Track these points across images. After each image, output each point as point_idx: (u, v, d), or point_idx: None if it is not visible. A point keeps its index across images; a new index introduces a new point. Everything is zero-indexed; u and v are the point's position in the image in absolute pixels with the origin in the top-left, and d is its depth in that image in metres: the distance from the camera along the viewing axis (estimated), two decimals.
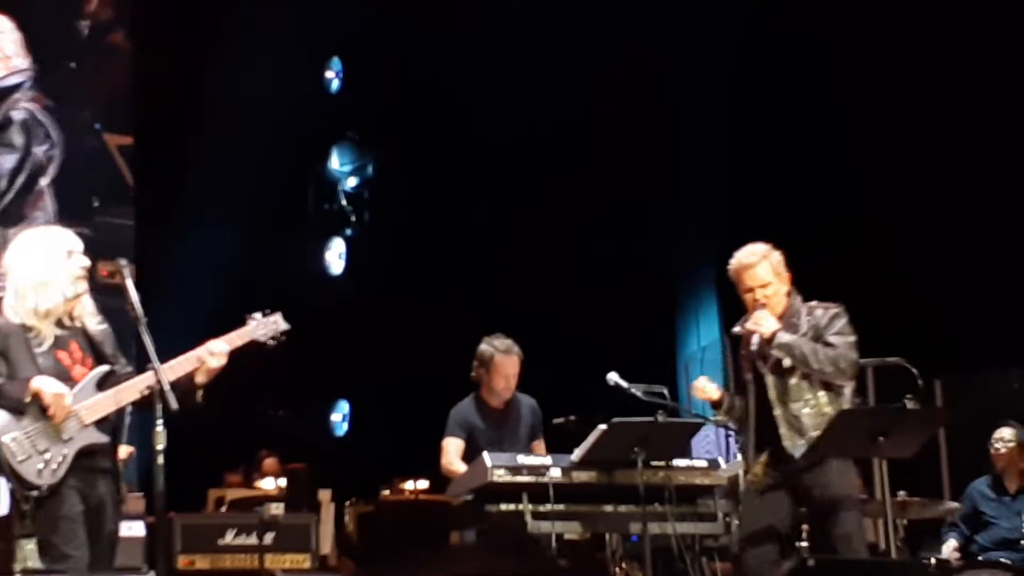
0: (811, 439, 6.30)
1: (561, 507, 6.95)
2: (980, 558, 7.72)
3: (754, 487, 6.52)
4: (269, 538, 7.66)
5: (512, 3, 11.75)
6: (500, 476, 6.93)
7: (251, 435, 10.83)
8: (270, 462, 10.52)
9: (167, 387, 5.18)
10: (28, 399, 5.27)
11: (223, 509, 8.78)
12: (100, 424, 5.39)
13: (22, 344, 5.39)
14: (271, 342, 5.70)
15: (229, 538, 7.67)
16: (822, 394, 6.41)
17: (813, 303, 6.57)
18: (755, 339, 6.41)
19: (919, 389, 6.96)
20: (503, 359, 7.73)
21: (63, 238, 5.61)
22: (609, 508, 7.06)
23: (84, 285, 5.52)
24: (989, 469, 8.55)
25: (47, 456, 5.27)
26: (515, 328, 8.06)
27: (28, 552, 5.23)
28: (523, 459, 7.05)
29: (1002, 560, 7.33)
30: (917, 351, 7.46)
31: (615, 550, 7.59)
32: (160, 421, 5.16)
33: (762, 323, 6.39)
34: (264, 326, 5.69)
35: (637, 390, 6.99)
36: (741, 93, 11.88)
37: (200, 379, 5.50)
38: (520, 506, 6.90)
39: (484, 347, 7.79)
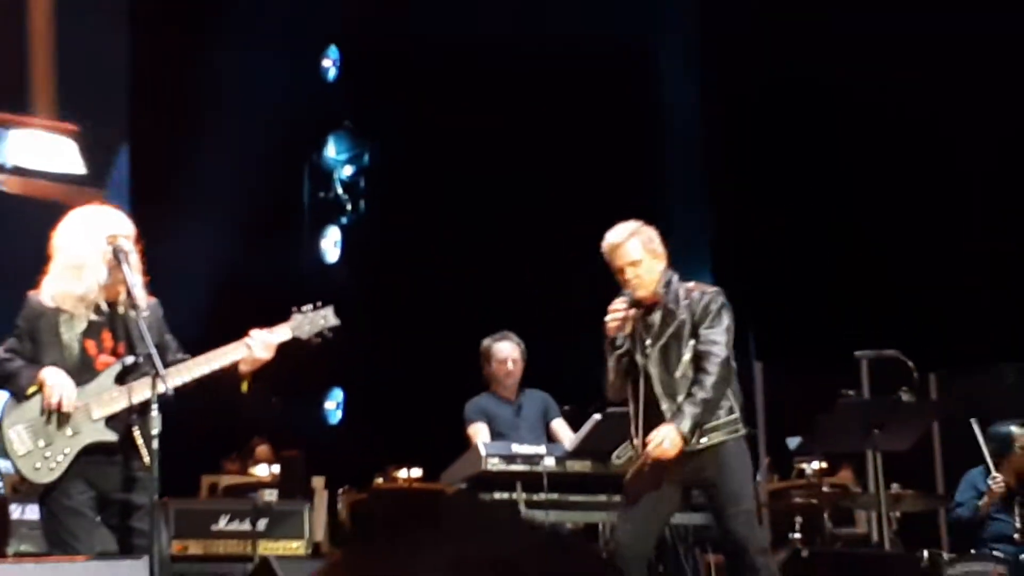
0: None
1: (555, 496, 6.96)
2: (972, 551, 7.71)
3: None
4: (262, 524, 7.66)
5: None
6: (495, 465, 6.93)
7: (245, 422, 10.80)
8: (262, 449, 10.51)
9: (161, 370, 5.04)
10: (33, 389, 5.13)
11: (218, 495, 8.77)
12: (112, 420, 5.18)
13: (51, 327, 5.22)
14: (315, 340, 5.41)
15: (222, 524, 7.67)
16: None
17: (691, 284, 6.10)
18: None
19: (915, 382, 6.96)
20: (498, 345, 7.78)
21: (106, 220, 5.35)
22: (603, 497, 7.07)
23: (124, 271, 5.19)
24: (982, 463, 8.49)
25: (47, 452, 5.12)
26: (511, 316, 8.06)
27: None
28: (518, 448, 7.05)
29: (995, 553, 7.32)
30: (912, 345, 7.45)
31: (608, 539, 7.59)
32: (155, 406, 5.02)
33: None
34: (310, 322, 5.41)
35: None
36: (730, 88, 11.85)
37: (244, 368, 5.30)
38: (514, 495, 6.91)
39: (482, 343, 7.85)
